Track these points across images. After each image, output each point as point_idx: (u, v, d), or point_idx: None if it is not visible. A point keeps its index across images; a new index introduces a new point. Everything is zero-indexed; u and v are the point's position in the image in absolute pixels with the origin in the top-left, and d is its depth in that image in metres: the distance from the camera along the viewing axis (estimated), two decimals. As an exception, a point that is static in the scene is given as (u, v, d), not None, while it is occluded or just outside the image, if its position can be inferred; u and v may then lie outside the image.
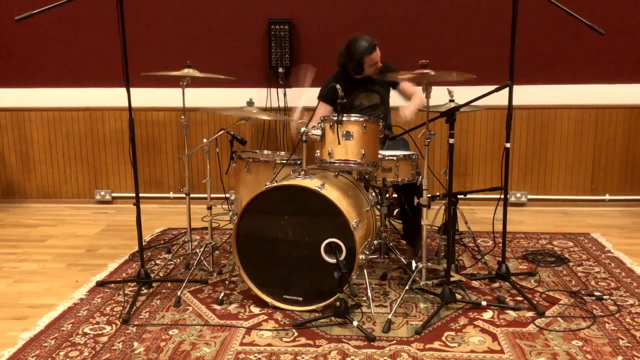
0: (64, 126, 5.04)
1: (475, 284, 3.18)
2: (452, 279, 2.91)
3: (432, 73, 2.79)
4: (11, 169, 5.13)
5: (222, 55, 4.79)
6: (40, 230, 4.42)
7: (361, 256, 2.79)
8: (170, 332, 2.70)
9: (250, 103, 3.32)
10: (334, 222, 2.73)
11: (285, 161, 3.15)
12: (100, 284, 3.26)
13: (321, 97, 3.66)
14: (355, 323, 2.65)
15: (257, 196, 2.83)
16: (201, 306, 2.98)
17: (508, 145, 2.98)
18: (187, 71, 3.36)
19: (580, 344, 2.54)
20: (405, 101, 3.79)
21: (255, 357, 2.48)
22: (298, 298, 2.87)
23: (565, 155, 4.81)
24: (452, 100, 3.40)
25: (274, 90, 4.81)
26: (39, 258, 3.77)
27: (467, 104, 2.91)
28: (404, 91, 3.77)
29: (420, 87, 3.71)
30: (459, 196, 3.28)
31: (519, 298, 2.99)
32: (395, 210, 3.72)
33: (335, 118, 2.88)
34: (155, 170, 5.05)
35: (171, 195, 5.07)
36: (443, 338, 2.62)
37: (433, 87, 2.87)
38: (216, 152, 4.23)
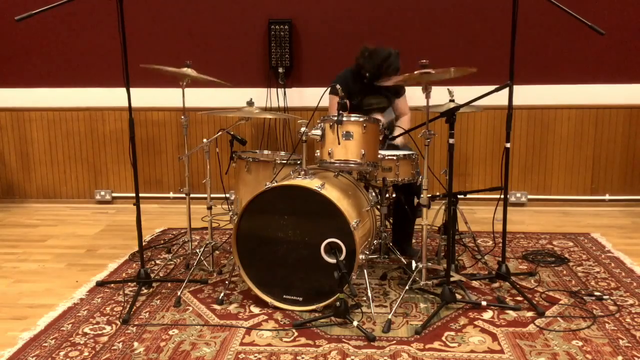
0: (64, 126, 5.04)
1: (475, 284, 3.18)
2: (452, 279, 2.91)
3: (432, 71, 2.79)
4: (11, 169, 5.13)
5: (222, 55, 4.79)
6: (40, 230, 4.42)
7: (361, 256, 2.79)
8: (170, 332, 2.70)
9: (250, 103, 3.32)
10: (334, 222, 2.73)
11: (285, 161, 3.15)
12: (100, 284, 3.26)
13: (333, 93, 3.64)
14: (355, 323, 2.65)
15: (257, 196, 2.83)
16: (201, 306, 2.98)
17: (508, 145, 2.98)
18: (185, 70, 3.35)
19: (580, 344, 2.54)
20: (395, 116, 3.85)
21: (255, 357, 2.48)
22: (298, 298, 2.87)
23: (565, 155, 4.81)
24: (452, 100, 3.40)
25: (273, 90, 4.81)
26: (39, 258, 3.77)
27: (467, 104, 2.92)
28: (397, 108, 3.80)
29: (409, 115, 3.78)
30: (459, 196, 3.28)
31: (519, 298, 2.99)
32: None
33: (335, 118, 2.88)
34: (155, 170, 5.06)
35: (171, 195, 5.07)
36: (443, 338, 2.62)
37: (433, 87, 2.87)
38: (216, 152, 4.24)
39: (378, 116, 3.54)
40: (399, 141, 3.58)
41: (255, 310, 2.92)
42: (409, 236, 3.68)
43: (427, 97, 2.86)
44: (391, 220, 3.73)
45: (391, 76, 3.47)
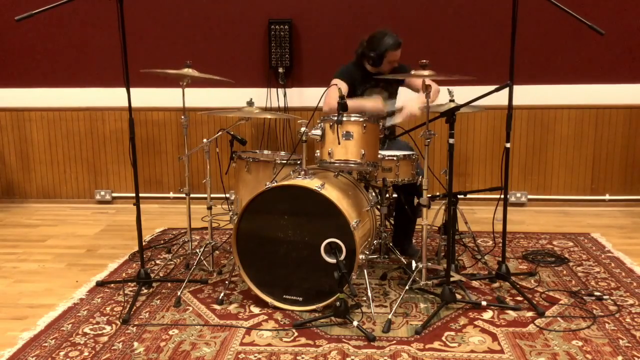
0: (64, 126, 5.04)
1: (475, 284, 3.18)
2: (452, 279, 2.91)
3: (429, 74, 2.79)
4: (11, 169, 5.13)
5: (222, 55, 4.79)
6: (40, 230, 4.42)
7: (361, 256, 2.79)
8: (170, 332, 2.70)
9: (250, 103, 3.32)
10: (334, 222, 2.73)
11: (285, 161, 3.15)
12: (100, 284, 3.26)
13: (339, 76, 3.54)
14: (355, 323, 2.65)
15: (257, 196, 2.83)
16: (201, 306, 2.98)
17: (508, 145, 2.98)
18: (186, 71, 3.35)
19: (580, 344, 2.54)
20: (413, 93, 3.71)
21: (255, 357, 2.48)
22: (298, 298, 2.87)
23: (565, 155, 4.81)
24: (452, 100, 3.40)
25: (273, 90, 4.81)
26: (39, 258, 3.77)
27: (467, 104, 2.92)
28: (412, 83, 3.67)
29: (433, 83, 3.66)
30: (459, 196, 3.28)
31: (519, 298, 2.99)
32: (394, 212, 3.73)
33: (335, 118, 2.88)
34: (155, 170, 5.06)
35: (171, 195, 5.07)
36: (443, 338, 2.62)
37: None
38: (216, 152, 4.24)
39: (378, 100, 3.49)
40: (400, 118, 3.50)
41: (255, 310, 2.92)
42: (409, 236, 3.69)
43: (427, 97, 2.86)
44: (392, 221, 3.73)
45: (395, 50, 3.46)
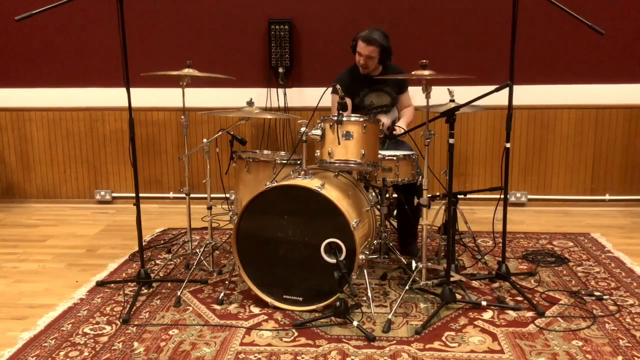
0: (64, 126, 5.04)
1: (475, 284, 3.18)
2: (452, 279, 2.91)
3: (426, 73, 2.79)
4: (11, 169, 5.13)
5: (222, 55, 4.79)
6: (40, 230, 4.42)
7: (361, 256, 2.79)
8: (170, 332, 2.70)
9: (250, 103, 3.32)
10: (334, 222, 2.73)
11: (285, 161, 3.15)
12: (100, 284, 3.26)
13: (333, 92, 3.61)
14: (355, 323, 2.65)
15: (257, 196, 2.83)
16: (201, 306, 2.98)
17: (508, 145, 2.98)
18: (187, 71, 3.35)
19: (580, 344, 2.54)
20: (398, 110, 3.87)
21: (255, 357, 2.48)
22: (298, 298, 2.87)
23: (565, 155, 4.81)
24: (452, 100, 3.40)
25: (273, 90, 4.81)
26: (39, 258, 3.77)
27: (467, 104, 2.91)
28: (401, 102, 3.82)
29: (412, 106, 3.80)
30: (459, 196, 3.28)
31: (519, 298, 2.99)
32: (395, 211, 3.73)
33: (335, 118, 2.88)
34: (155, 170, 5.06)
35: (171, 195, 5.07)
36: (443, 338, 2.62)
37: (433, 87, 2.87)
38: (216, 152, 4.24)
39: (382, 117, 3.54)
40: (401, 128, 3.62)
41: (255, 310, 2.92)
42: (414, 237, 3.68)
43: (427, 97, 2.86)
44: (392, 221, 3.73)
45: (363, 42, 3.49)
